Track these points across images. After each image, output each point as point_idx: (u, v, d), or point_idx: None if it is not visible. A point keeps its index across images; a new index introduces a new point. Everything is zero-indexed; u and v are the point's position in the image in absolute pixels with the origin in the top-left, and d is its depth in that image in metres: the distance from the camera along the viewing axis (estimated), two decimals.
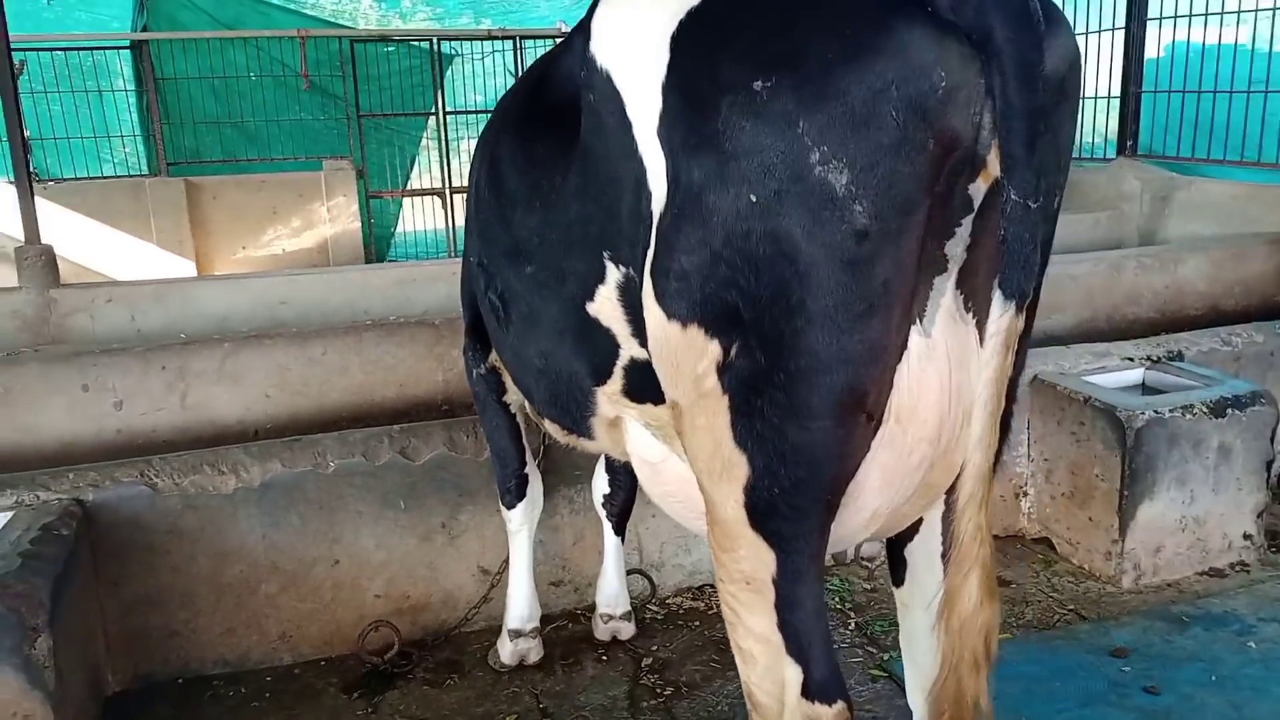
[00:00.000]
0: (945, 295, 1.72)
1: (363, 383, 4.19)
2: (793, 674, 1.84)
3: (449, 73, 10.65)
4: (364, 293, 5.28)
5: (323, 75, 10.15)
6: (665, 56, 1.75)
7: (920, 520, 2.15)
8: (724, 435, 1.77)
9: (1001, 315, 1.61)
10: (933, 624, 1.81)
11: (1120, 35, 6.81)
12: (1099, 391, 3.96)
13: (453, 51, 10.66)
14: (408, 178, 10.91)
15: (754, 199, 1.62)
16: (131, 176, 9.77)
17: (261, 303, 5.21)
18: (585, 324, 2.18)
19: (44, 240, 5.17)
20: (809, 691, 1.83)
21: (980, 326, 1.73)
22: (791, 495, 1.74)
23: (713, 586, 3.63)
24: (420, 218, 10.76)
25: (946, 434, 1.80)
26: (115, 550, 3.32)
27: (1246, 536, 3.99)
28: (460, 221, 9.30)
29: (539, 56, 3.03)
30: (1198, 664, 3.30)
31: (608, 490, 3.46)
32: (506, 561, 3.50)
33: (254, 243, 9.50)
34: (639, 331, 1.99)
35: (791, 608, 1.82)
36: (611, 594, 3.55)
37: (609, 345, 2.15)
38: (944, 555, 2.08)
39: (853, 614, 3.73)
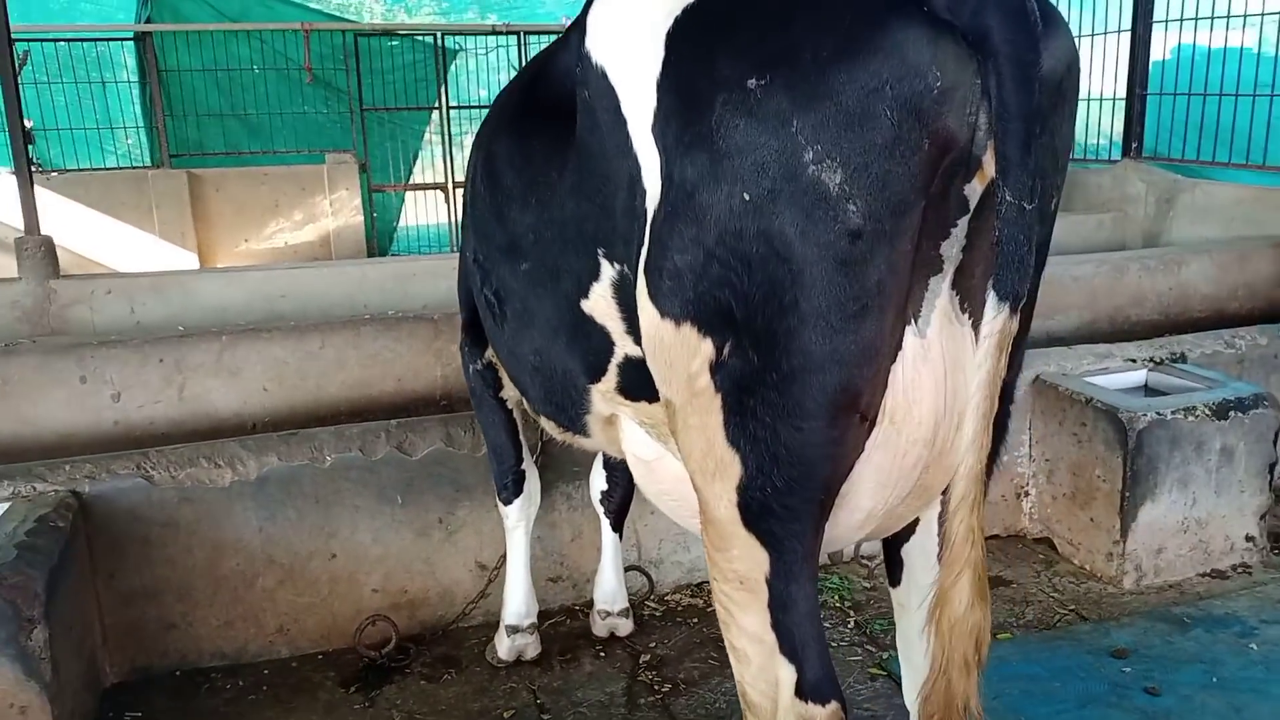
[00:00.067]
0: (941, 296, 1.71)
1: (361, 377, 4.18)
2: (786, 674, 1.83)
3: (452, 67, 10.64)
4: (363, 287, 5.27)
5: (326, 69, 10.14)
6: (660, 53, 1.73)
7: (917, 520, 2.14)
8: (717, 434, 1.76)
9: (995, 317, 1.59)
10: (923, 625, 1.80)
11: (1126, 37, 6.78)
12: (1101, 393, 3.94)
13: (456, 46, 10.65)
14: (410, 172, 10.91)
15: (747, 197, 1.61)
16: (134, 168, 9.80)
17: (260, 296, 5.21)
18: (580, 321, 2.17)
19: (47, 231, 5.17)
20: (803, 691, 1.82)
21: (977, 328, 1.72)
22: (784, 495, 1.73)
23: None
24: (422, 212, 10.75)
25: (942, 435, 1.78)
26: (112, 542, 3.32)
27: (1249, 538, 3.98)
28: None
29: (538, 52, 3.01)
30: (1199, 665, 3.29)
31: (605, 487, 3.45)
32: (504, 557, 3.49)
33: (256, 235, 9.51)
34: (633, 329, 1.98)
35: (785, 608, 1.81)
36: (609, 591, 3.54)
37: (604, 343, 2.14)
38: (939, 556, 2.07)
39: (852, 612, 3.73)
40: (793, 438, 1.69)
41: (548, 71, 2.34)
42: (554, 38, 9.64)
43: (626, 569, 3.68)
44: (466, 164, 2.93)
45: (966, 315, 1.75)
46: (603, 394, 2.26)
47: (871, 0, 1.55)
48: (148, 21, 10.02)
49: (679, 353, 1.79)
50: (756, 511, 1.76)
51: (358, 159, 9.90)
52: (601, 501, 3.48)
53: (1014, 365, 1.95)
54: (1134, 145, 6.75)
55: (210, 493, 3.39)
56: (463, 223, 2.92)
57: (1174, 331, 4.87)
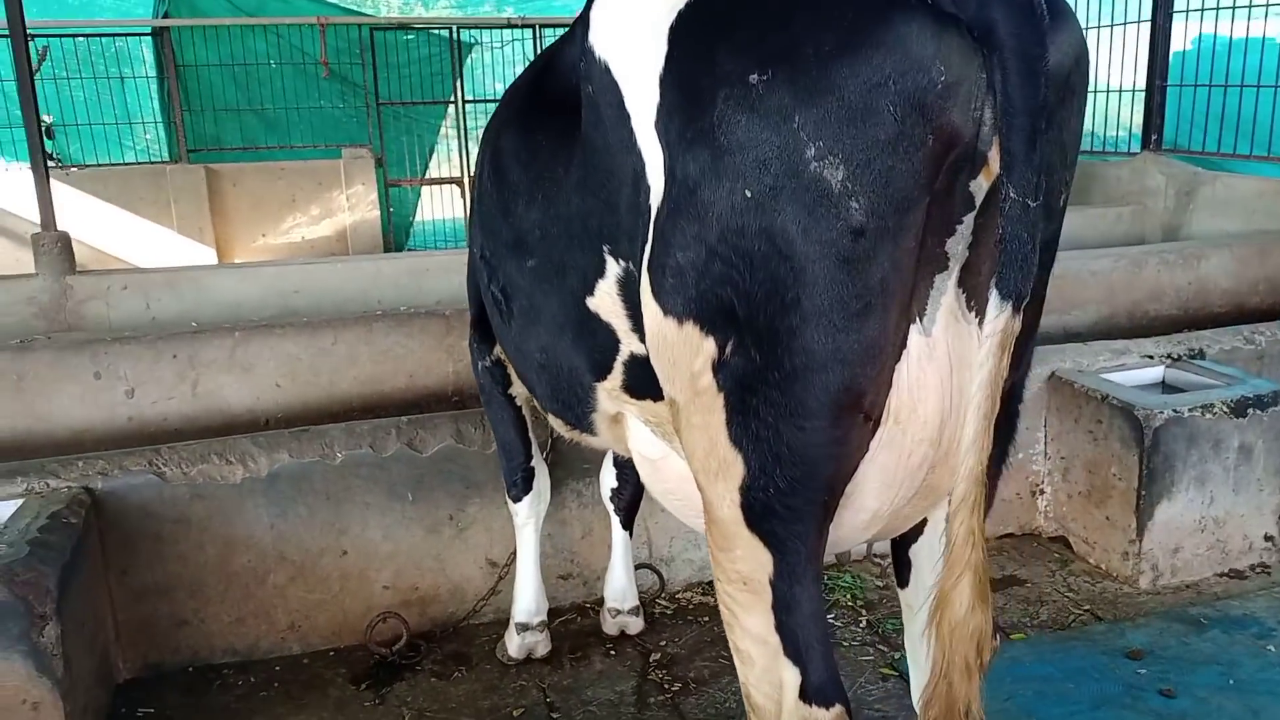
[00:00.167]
0: (946, 294, 1.68)
1: (373, 373, 4.19)
2: (790, 676, 1.82)
3: (468, 61, 10.64)
4: (376, 282, 5.28)
5: (342, 63, 10.16)
6: (663, 48, 1.72)
7: (925, 521, 2.12)
8: (719, 434, 1.74)
9: (998, 316, 1.57)
10: (923, 628, 1.78)
11: (1146, 28, 6.70)
12: (1117, 389, 3.89)
13: (472, 40, 10.65)
14: (426, 166, 10.92)
15: (749, 194, 1.59)
16: (152, 163, 9.83)
17: (275, 291, 5.23)
18: (585, 319, 2.16)
19: (67, 226, 5.20)
20: (807, 694, 1.81)
21: (984, 326, 1.69)
22: (787, 496, 1.71)
23: None
24: (439, 206, 10.77)
25: (948, 435, 1.76)
26: (124, 539, 3.33)
27: (1267, 538, 3.93)
28: None
29: (546, 47, 3.00)
30: (1215, 667, 3.24)
31: (615, 484, 3.44)
32: (514, 554, 3.48)
33: (273, 230, 9.54)
34: (639, 327, 1.96)
35: (789, 609, 1.79)
36: (619, 589, 3.53)
37: (609, 340, 2.13)
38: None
39: (864, 611, 3.70)
40: (795, 437, 1.67)
41: (554, 66, 2.33)
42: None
43: (637, 567, 3.67)
44: (476, 159, 2.92)
45: (973, 313, 1.72)
46: (608, 392, 2.25)
47: None
48: (165, 16, 10.06)
49: (682, 351, 1.77)
50: (759, 512, 1.75)
51: (374, 154, 9.91)
52: (611, 499, 3.47)
53: (1021, 364, 1.93)
54: (1153, 137, 6.67)
55: (222, 489, 3.40)
56: (470, 218, 2.91)
57: (1193, 327, 4.81)
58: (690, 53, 1.68)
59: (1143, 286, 5.07)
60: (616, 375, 2.17)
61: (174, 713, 3.24)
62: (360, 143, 10.10)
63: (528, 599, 3.40)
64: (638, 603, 3.57)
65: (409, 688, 3.33)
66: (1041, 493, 4.22)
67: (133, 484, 3.33)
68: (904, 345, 1.69)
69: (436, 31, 10.61)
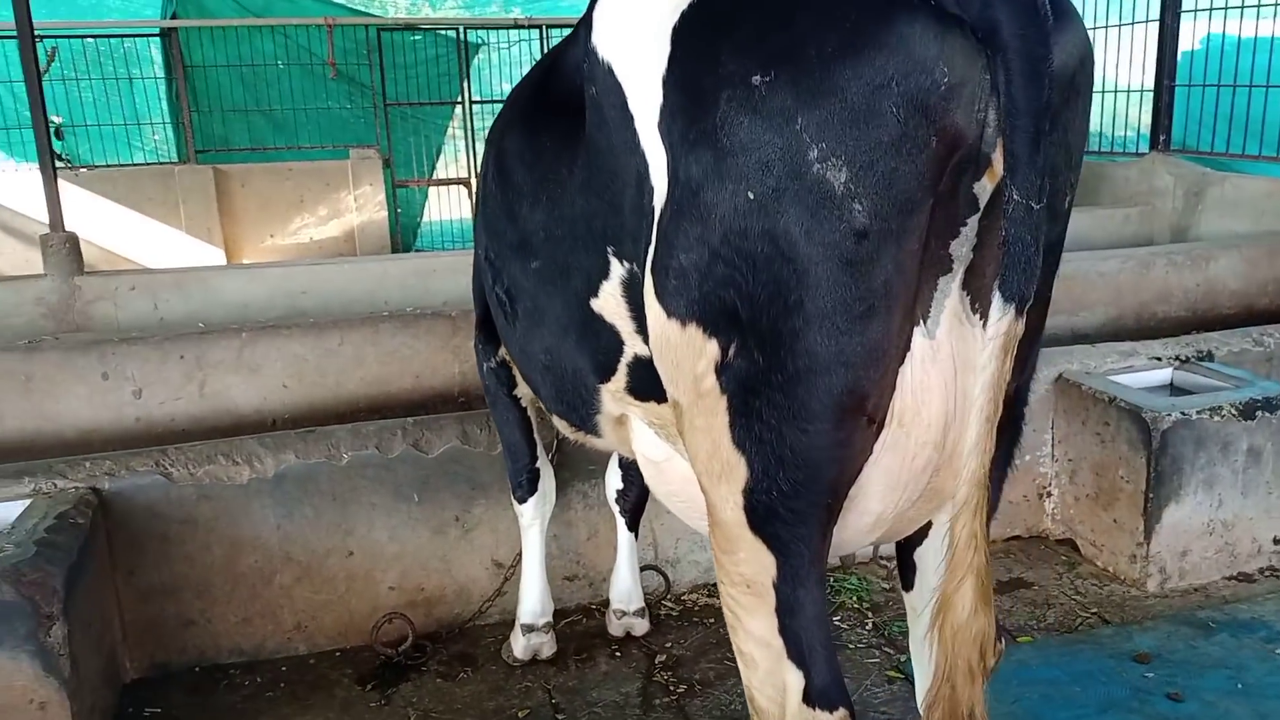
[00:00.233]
0: (950, 296, 1.68)
1: (379, 374, 4.20)
2: (794, 679, 1.81)
3: (475, 62, 10.65)
4: (383, 283, 5.29)
5: (350, 64, 10.17)
6: (666, 49, 1.71)
7: (930, 524, 2.11)
8: (722, 436, 1.74)
9: (1000, 319, 1.56)
10: (924, 632, 1.77)
11: (1154, 27, 6.67)
12: (1124, 392, 3.88)
13: (479, 40, 10.66)
14: (434, 167, 10.94)
15: (751, 196, 1.58)
16: (161, 164, 9.86)
17: (282, 292, 5.24)
18: (589, 320, 2.15)
19: (76, 227, 5.22)
20: (810, 698, 1.80)
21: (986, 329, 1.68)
22: (791, 499, 1.70)
23: None
24: (446, 207, 10.78)
25: (952, 438, 1.75)
26: (131, 539, 3.34)
27: (1276, 541, 3.91)
28: None
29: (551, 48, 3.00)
30: (1223, 671, 3.23)
31: (621, 486, 3.44)
32: (520, 555, 3.48)
33: (281, 231, 9.56)
34: (643, 328, 1.96)
35: (792, 612, 1.78)
36: (625, 590, 3.53)
37: (613, 342, 2.13)
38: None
39: (870, 614, 3.69)
40: (798, 440, 1.67)
41: (558, 67, 2.33)
42: None
43: (643, 568, 3.66)
44: (481, 161, 2.92)
45: (977, 316, 1.71)
46: (612, 394, 2.25)
47: None
48: (174, 17, 10.09)
49: (685, 353, 1.77)
50: (763, 515, 1.74)
51: (381, 154, 9.93)
52: (617, 500, 3.47)
53: (1026, 367, 1.92)
54: (1162, 138, 6.64)
55: (228, 490, 3.40)
56: (475, 220, 2.91)
57: (1201, 328, 4.79)
58: (693, 54, 1.68)
59: (1151, 288, 5.05)
60: (620, 377, 2.17)
61: (180, 713, 3.25)
62: (368, 143, 10.12)
63: (533, 600, 3.40)
64: (643, 604, 3.56)
65: (414, 688, 3.33)
66: (1049, 495, 4.20)
67: (140, 484, 3.33)
68: (908, 348, 1.68)
69: (444, 32, 10.62)
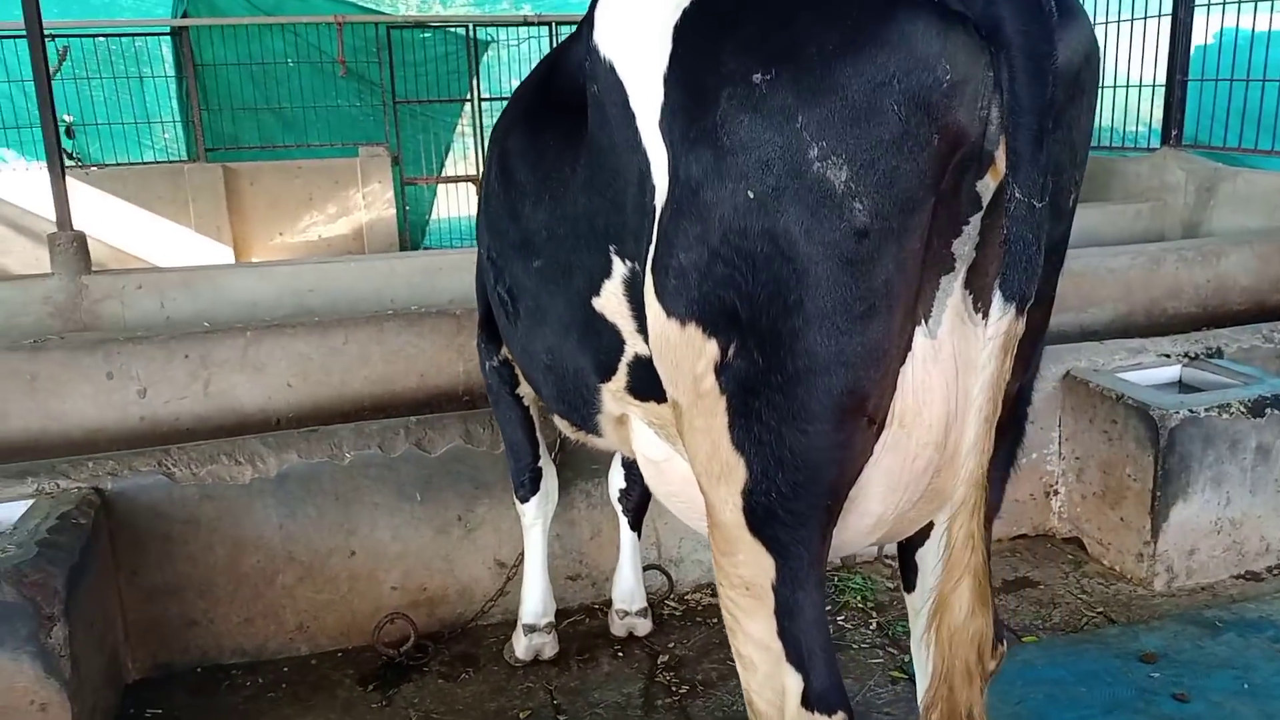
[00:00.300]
0: (953, 295, 1.66)
1: (384, 373, 4.19)
2: (793, 682, 1.80)
3: (485, 59, 10.64)
4: (390, 281, 5.28)
5: (359, 61, 10.17)
6: (667, 47, 1.70)
7: (931, 525, 2.09)
8: (722, 437, 1.72)
9: (1001, 318, 1.54)
10: (918, 633, 1.75)
11: (1167, 22, 6.61)
12: (1132, 389, 3.84)
13: (488, 38, 10.65)
14: (442, 164, 10.93)
15: (751, 195, 1.57)
16: (171, 162, 9.88)
17: (289, 290, 5.24)
18: (591, 319, 2.14)
19: (87, 225, 5.22)
20: (809, 701, 1.79)
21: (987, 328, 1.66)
22: (790, 500, 1.69)
23: None
24: (454, 204, 10.78)
25: (954, 439, 1.73)
26: (134, 539, 3.34)
27: None
28: None
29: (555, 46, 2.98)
30: (1229, 671, 3.20)
31: (624, 485, 3.42)
32: (523, 555, 3.47)
33: (291, 229, 9.57)
34: (644, 328, 1.94)
35: (791, 615, 1.77)
36: (627, 590, 3.52)
37: (614, 341, 2.11)
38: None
39: (874, 614, 3.67)
40: (798, 441, 1.65)
41: (561, 66, 2.32)
42: None
43: (646, 568, 3.65)
44: (484, 160, 2.91)
45: (980, 315, 1.69)
46: (613, 393, 2.23)
47: None
48: (184, 16, 10.11)
49: (684, 353, 1.75)
50: (762, 516, 1.73)
51: (390, 152, 9.92)
52: (620, 500, 3.45)
53: (1029, 367, 1.90)
54: (1174, 132, 6.58)
55: (231, 490, 3.40)
56: (478, 219, 2.90)
57: (1212, 325, 4.76)
58: (694, 52, 1.66)
59: (1161, 284, 5.02)
60: (621, 376, 2.15)
61: (182, 713, 3.24)
62: (377, 141, 10.12)
63: (535, 600, 3.38)
64: (646, 604, 3.55)
65: (416, 689, 3.33)
66: (1055, 493, 4.17)
67: (142, 484, 3.33)
68: (909, 348, 1.66)
69: (453, 30, 10.61)
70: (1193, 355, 4.20)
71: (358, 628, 3.55)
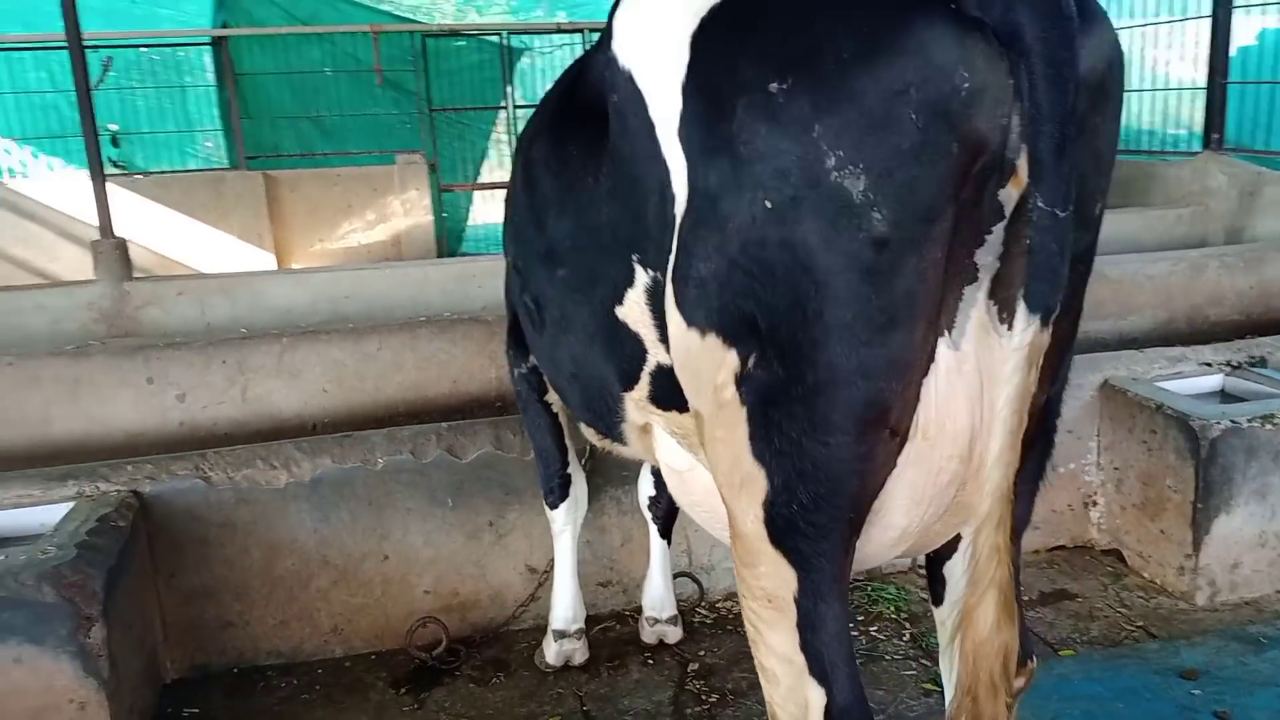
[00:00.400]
0: (977, 306, 1.63)
1: (417, 379, 4.22)
2: (816, 696, 1.78)
3: (519, 66, 10.70)
4: (424, 288, 5.31)
5: (395, 70, 10.27)
6: (686, 56, 1.70)
7: (960, 537, 2.07)
8: (742, 448, 1.72)
9: (1025, 330, 1.52)
10: (946, 646, 1.73)
11: (1207, 23, 6.50)
12: (1172, 398, 3.78)
13: (522, 45, 10.71)
14: (478, 171, 11.01)
15: (769, 205, 1.56)
16: (213, 170, 10.03)
17: (326, 297, 5.28)
18: (614, 328, 2.14)
19: (132, 232, 5.30)
20: (832, 715, 1.77)
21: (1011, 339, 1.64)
22: (811, 512, 1.67)
23: None
24: (490, 211, 10.84)
25: (979, 451, 1.71)
26: (172, 542, 3.40)
27: None
28: None
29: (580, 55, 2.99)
30: (1274, 689, 3.13)
31: (653, 492, 3.42)
32: (553, 561, 3.48)
33: (329, 236, 9.68)
34: (665, 337, 1.94)
35: (814, 628, 1.75)
36: (657, 597, 3.51)
37: (637, 350, 2.11)
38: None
39: (908, 624, 3.63)
40: (819, 453, 1.64)
41: (585, 75, 2.32)
42: None
43: (677, 575, 3.65)
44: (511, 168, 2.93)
45: (1005, 326, 1.66)
46: (636, 402, 2.23)
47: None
48: (224, 26, 10.27)
49: (705, 363, 1.75)
50: (783, 528, 1.72)
51: (427, 159, 10.00)
52: (649, 507, 3.45)
53: (1057, 379, 1.87)
54: (1215, 136, 6.45)
55: (266, 494, 3.44)
56: (504, 228, 2.92)
57: (1255, 333, 4.66)
58: (712, 61, 1.66)
59: (1202, 290, 4.92)
60: (643, 386, 2.15)
61: (219, 714, 3.29)
62: (413, 149, 10.19)
63: (564, 606, 3.39)
64: (676, 611, 3.54)
65: (448, 693, 3.35)
66: (1094, 504, 4.11)
67: (179, 488, 3.39)
68: (932, 359, 1.64)
69: (488, 38, 10.68)
70: (1235, 364, 4.12)
71: (391, 631, 3.58)
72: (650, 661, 3.47)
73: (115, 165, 9.92)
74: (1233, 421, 3.57)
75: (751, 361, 1.66)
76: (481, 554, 3.64)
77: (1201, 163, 6.44)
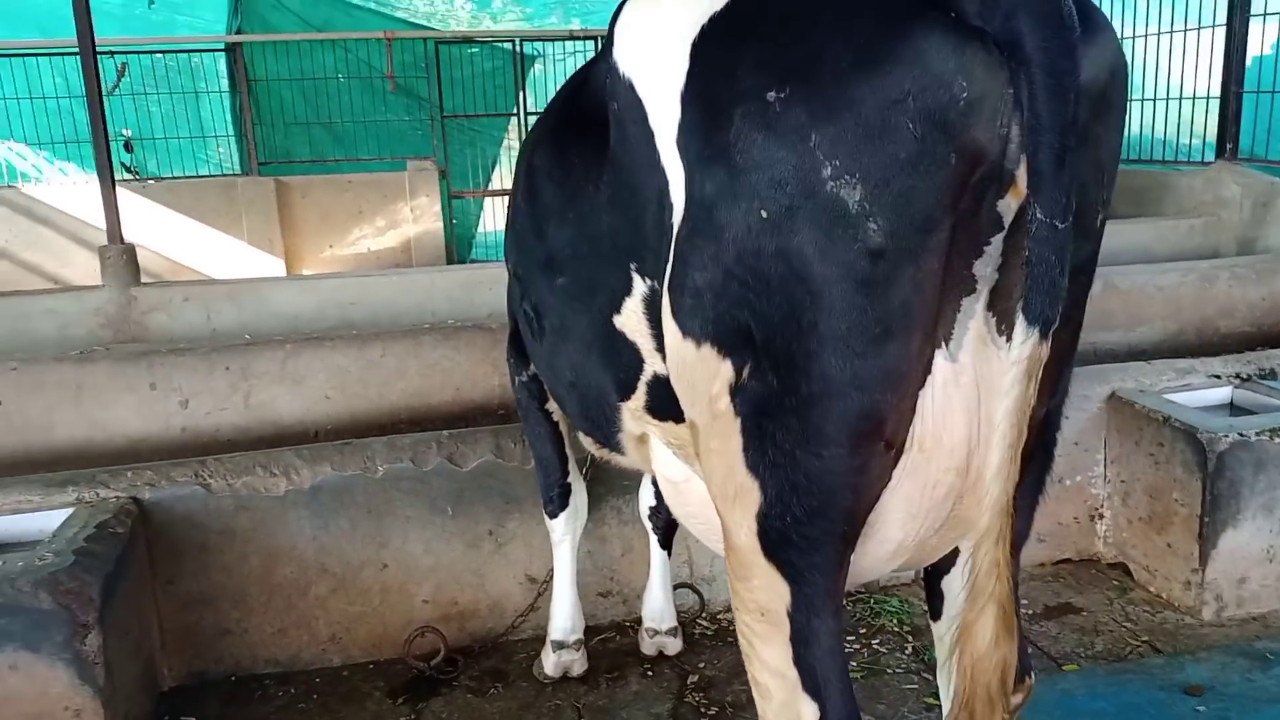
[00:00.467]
0: (975, 318, 1.61)
1: (420, 386, 4.21)
2: (809, 711, 1.76)
3: (531, 73, 10.71)
4: (431, 295, 5.31)
5: (408, 77, 10.29)
6: (685, 64, 1.68)
7: (958, 551, 2.04)
8: (736, 460, 1.70)
9: (1024, 342, 1.50)
10: (943, 661, 1.71)
11: (1221, 32, 6.45)
12: (1179, 411, 3.74)
13: (535, 52, 10.72)
14: (489, 178, 11.01)
15: (765, 215, 1.54)
16: (224, 175, 10.07)
17: (332, 303, 5.29)
18: (612, 337, 2.13)
19: (144, 237, 5.32)
20: None
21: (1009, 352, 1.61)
22: (805, 525, 1.65)
23: None
24: (501, 218, 10.84)
25: (976, 464, 1.68)
26: (170, 549, 3.39)
27: None
28: None
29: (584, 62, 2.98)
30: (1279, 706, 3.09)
31: (654, 503, 3.40)
32: (553, 571, 3.46)
33: (340, 242, 9.70)
34: (662, 347, 1.92)
35: (807, 642, 1.73)
36: (657, 609, 3.49)
37: (634, 360, 2.10)
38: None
39: (910, 638, 3.60)
40: (813, 465, 1.62)
41: (587, 83, 2.31)
42: None
43: (677, 586, 3.62)
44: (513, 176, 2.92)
45: (1004, 339, 1.64)
46: (632, 412, 2.22)
47: (894, 8, 1.47)
48: (238, 32, 10.31)
49: (700, 373, 1.73)
50: (776, 541, 1.69)
51: (438, 166, 10.01)
52: (650, 518, 3.43)
53: (1056, 392, 1.84)
54: (1229, 146, 6.40)
55: (265, 501, 3.43)
56: (505, 235, 2.91)
57: (1267, 345, 4.62)
58: (711, 69, 1.65)
59: (1213, 302, 4.88)
60: (640, 395, 2.13)
61: None
62: (425, 155, 10.22)
63: (563, 617, 3.37)
64: (676, 623, 3.52)
65: (445, 703, 3.32)
66: (1100, 517, 4.07)
67: (179, 495, 3.38)
68: (928, 371, 1.62)
69: (500, 45, 10.70)
70: (1244, 376, 4.08)
71: (389, 640, 3.56)
72: (650, 673, 3.45)
73: (128, 170, 9.97)
74: (1241, 434, 3.53)
75: (746, 372, 1.64)
76: (481, 563, 3.62)
77: (1215, 173, 6.39)
